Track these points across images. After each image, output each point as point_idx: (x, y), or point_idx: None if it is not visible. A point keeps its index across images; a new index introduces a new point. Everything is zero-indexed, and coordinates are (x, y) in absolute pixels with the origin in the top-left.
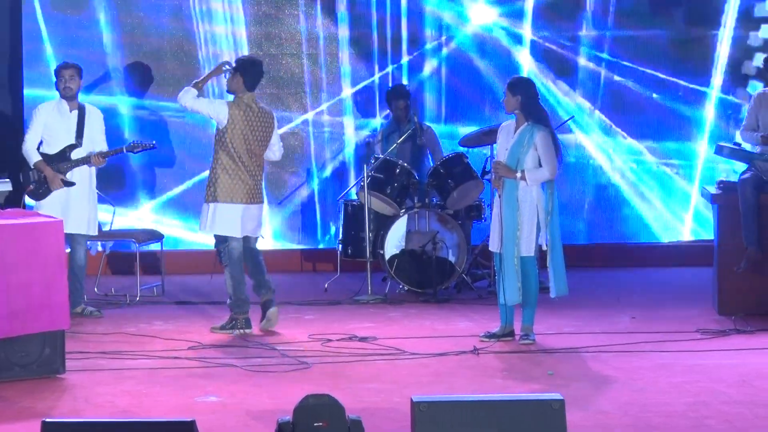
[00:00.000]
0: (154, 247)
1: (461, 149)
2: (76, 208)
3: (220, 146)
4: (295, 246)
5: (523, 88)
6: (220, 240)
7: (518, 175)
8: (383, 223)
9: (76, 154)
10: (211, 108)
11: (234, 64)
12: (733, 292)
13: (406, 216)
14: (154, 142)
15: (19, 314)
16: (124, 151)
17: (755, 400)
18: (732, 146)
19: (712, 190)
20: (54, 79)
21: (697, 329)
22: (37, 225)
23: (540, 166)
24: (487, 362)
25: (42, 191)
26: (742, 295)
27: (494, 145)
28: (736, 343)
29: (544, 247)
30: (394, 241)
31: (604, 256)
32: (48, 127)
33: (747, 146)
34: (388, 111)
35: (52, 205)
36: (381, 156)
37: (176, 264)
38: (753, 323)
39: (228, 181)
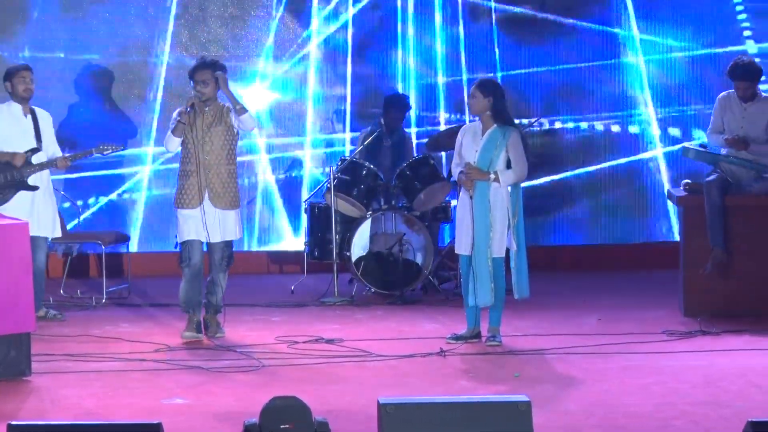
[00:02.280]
0: (121, 249)
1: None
2: (39, 210)
3: (235, 150)
4: (261, 248)
5: (494, 90)
6: (231, 245)
7: (492, 176)
8: (349, 225)
9: (37, 158)
10: None
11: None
12: (699, 294)
13: (372, 218)
14: (123, 144)
15: None
16: (93, 153)
17: (720, 401)
18: (697, 148)
19: (678, 192)
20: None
21: (663, 331)
22: (1, 227)
23: (509, 167)
24: (454, 364)
25: (3, 196)
26: (708, 296)
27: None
28: (701, 344)
29: (513, 249)
30: (361, 243)
31: (571, 258)
32: (1, 131)
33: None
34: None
35: (15, 210)
36: (348, 157)
37: (143, 266)
38: (718, 324)
39: None
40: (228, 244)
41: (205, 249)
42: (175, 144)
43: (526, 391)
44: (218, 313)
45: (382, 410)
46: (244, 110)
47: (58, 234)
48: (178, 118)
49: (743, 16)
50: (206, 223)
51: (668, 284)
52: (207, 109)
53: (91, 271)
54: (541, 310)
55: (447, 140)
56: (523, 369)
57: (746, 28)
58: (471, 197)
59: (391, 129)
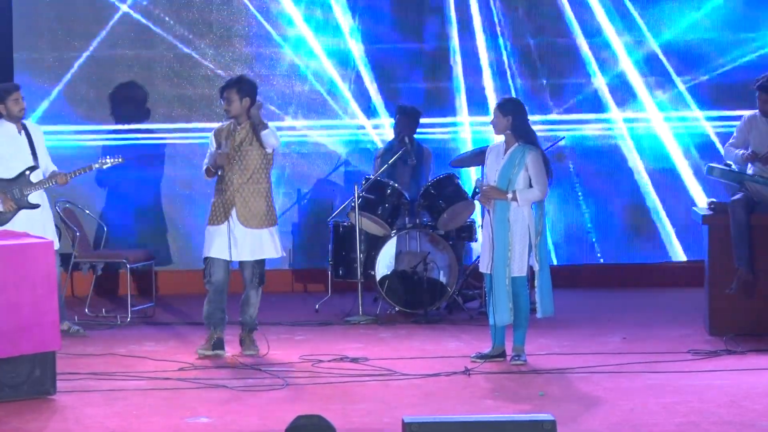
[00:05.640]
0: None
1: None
2: (40, 228)
3: (268, 171)
4: (286, 266)
5: (514, 109)
6: (263, 263)
7: (510, 196)
8: (374, 244)
9: (36, 176)
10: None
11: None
12: (724, 313)
13: (396, 237)
14: (121, 157)
15: (9, 335)
16: (94, 168)
17: (744, 421)
18: (722, 167)
19: (703, 211)
20: None
21: (688, 350)
22: (26, 246)
23: (531, 186)
24: (478, 383)
25: (4, 216)
26: (733, 315)
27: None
28: (726, 363)
29: (536, 267)
30: (385, 262)
31: (594, 277)
32: None
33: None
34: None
35: (17, 229)
36: (372, 176)
37: (168, 284)
38: (744, 344)
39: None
40: (259, 263)
41: (236, 266)
42: (210, 176)
43: (550, 410)
44: (253, 331)
45: (407, 429)
46: (265, 127)
47: (57, 245)
48: (208, 164)
49: None
50: (233, 242)
51: (693, 303)
52: (239, 127)
53: (119, 290)
54: (565, 328)
55: (473, 159)
56: (548, 388)
57: None
58: (489, 212)
59: (410, 141)
